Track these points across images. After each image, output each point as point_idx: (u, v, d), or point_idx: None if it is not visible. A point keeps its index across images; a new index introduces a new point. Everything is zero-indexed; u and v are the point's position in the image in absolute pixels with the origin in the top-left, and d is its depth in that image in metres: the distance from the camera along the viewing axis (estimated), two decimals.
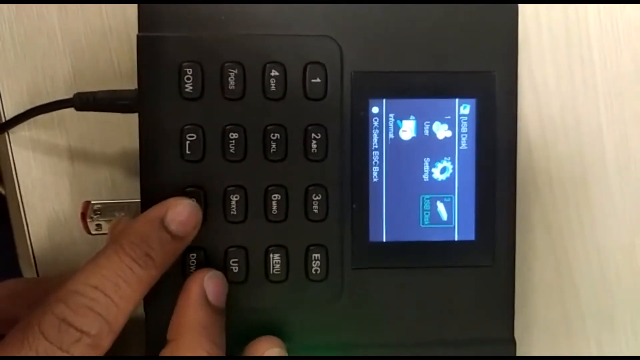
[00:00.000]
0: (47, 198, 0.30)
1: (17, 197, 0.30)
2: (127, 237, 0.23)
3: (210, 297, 0.24)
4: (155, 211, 0.24)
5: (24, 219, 0.30)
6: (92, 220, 0.27)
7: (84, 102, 0.27)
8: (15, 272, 0.31)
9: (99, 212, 0.27)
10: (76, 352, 0.20)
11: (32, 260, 0.30)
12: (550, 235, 0.31)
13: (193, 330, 0.23)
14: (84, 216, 0.27)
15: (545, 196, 0.31)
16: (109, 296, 0.22)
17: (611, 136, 0.31)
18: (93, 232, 0.27)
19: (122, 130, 0.30)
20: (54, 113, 0.29)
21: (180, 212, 0.24)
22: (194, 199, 0.25)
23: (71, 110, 0.27)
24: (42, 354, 0.20)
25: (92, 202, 0.27)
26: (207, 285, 0.24)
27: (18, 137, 0.30)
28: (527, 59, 0.31)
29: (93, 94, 0.27)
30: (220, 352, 0.23)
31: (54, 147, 0.30)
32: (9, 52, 0.30)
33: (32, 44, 0.30)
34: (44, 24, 0.29)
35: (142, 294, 0.23)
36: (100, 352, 0.21)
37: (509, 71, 0.26)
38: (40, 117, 0.29)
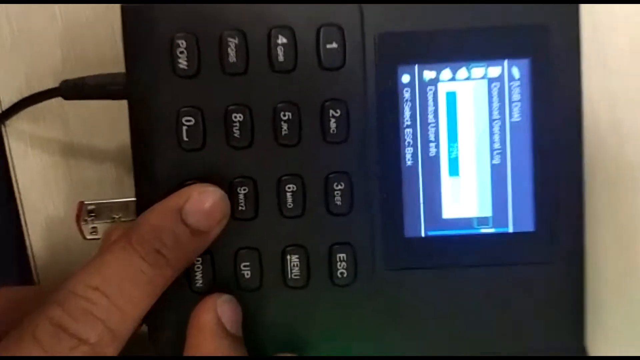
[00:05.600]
0: (47, 195, 0.28)
1: (14, 195, 0.28)
2: (137, 230, 0.21)
3: (228, 325, 0.22)
4: (172, 200, 0.21)
5: (22, 218, 0.29)
6: (87, 223, 0.24)
7: (72, 89, 0.25)
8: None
9: (93, 214, 0.24)
10: None
11: (32, 261, 0.29)
12: (620, 230, 0.28)
13: None
14: (78, 218, 0.24)
15: (616, 185, 0.27)
16: (112, 299, 0.20)
17: None
18: (88, 236, 0.24)
19: (127, 120, 0.28)
20: (53, 104, 0.27)
21: (202, 202, 0.21)
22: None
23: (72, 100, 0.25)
24: None
25: (86, 202, 0.24)
26: (222, 311, 0.22)
27: (15, 131, 0.29)
28: (591, 25, 0.26)
29: (81, 80, 0.25)
30: None
31: (54, 140, 0.29)
32: (5, 37, 0.28)
33: (31, 25, 0.28)
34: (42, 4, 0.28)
35: (153, 297, 0.21)
36: None
37: (569, 23, 0.23)
38: (38, 109, 0.28)
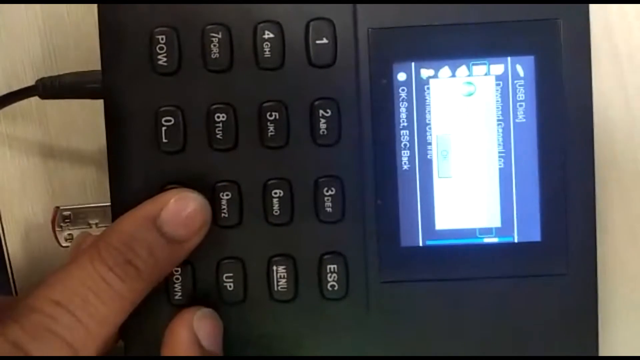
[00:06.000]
0: (26, 200, 0.27)
1: None
2: (107, 239, 0.19)
3: (205, 342, 0.20)
4: (147, 207, 0.20)
5: None
6: (62, 230, 0.23)
7: (48, 88, 0.24)
8: None
9: (69, 220, 0.23)
10: None
11: (9, 270, 0.28)
12: (635, 236, 0.27)
13: None
14: (53, 225, 0.23)
15: (631, 192, 0.27)
16: (75, 314, 0.18)
17: None
18: (64, 244, 0.23)
19: None
20: (32, 103, 0.27)
21: (180, 209, 0.20)
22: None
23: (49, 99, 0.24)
24: None
25: (61, 207, 0.22)
26: (199, 327, 0.20)
27: None
28: (604, 16, 0.26)
29: (58, 78, 0.24)
30: None
31: (33, 141, 0.28)
32: None
33: (9, 22, 0.27)
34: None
35: (123, 312, 0.20)
36: None
37: (579, 17, 0.22)
38: (17, 108, 0.27)
